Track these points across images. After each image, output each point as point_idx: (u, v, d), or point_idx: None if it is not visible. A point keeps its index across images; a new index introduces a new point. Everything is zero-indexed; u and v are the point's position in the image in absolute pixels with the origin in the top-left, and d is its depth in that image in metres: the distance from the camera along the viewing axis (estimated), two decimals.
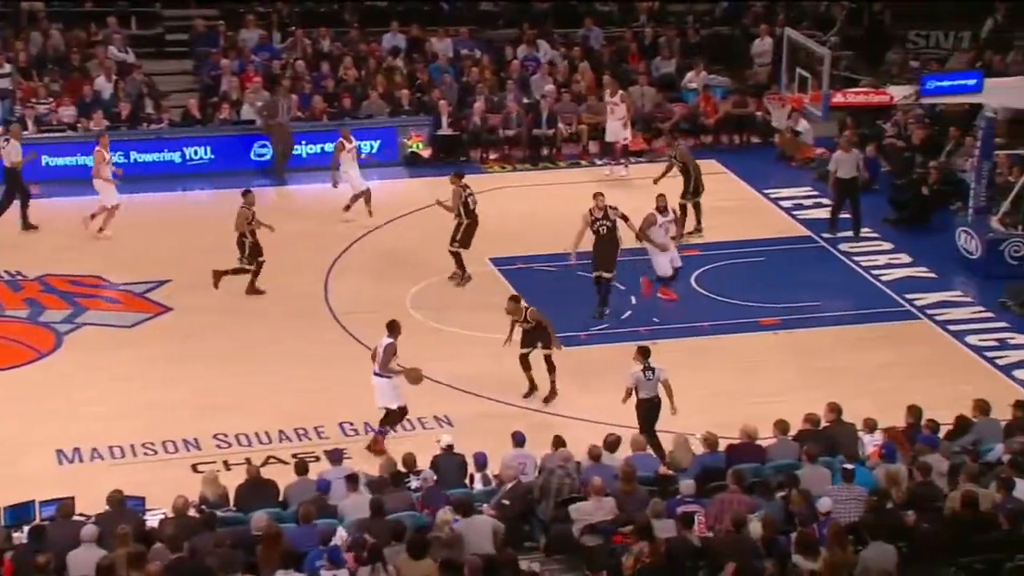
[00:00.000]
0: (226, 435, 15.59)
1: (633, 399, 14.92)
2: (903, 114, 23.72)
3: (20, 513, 12.50)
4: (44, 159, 22.54)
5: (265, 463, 14.69)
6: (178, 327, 18.28)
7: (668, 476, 13.40)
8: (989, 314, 18.66)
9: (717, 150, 24.40)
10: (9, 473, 14.57)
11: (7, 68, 23.94)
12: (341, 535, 11.85)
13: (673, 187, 20.49)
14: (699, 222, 20.82)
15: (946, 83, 19.62)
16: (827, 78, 19.29)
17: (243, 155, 23.65)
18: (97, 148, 20.97)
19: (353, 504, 12.45)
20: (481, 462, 13.58)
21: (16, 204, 21.12)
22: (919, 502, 12.26)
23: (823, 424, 14.04)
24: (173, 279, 19.53)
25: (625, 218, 18.19)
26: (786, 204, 22.49)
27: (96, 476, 14.51)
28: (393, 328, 15.37)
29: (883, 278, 19.83)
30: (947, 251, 20.26)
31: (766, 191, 22.97)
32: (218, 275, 18.82)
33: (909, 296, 19.21)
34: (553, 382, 16.22)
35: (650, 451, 14.19)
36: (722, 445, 13.65)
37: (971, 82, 19.35)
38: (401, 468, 13.31)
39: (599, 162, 24.15)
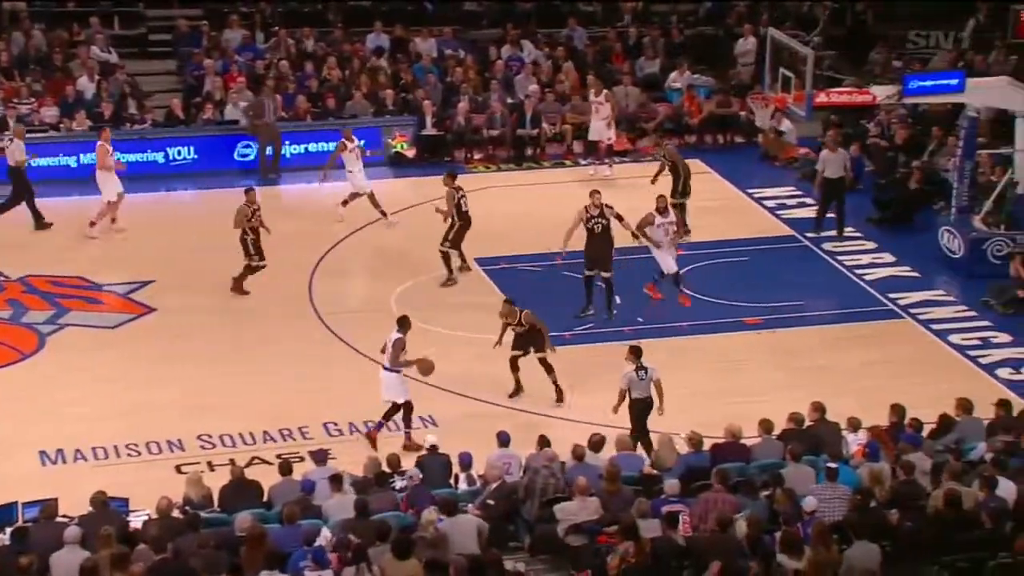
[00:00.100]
0: (210, 436, 15.55)
1: (625, 401, 14.90)
2: (886, 114, 23.79)
3: (3, 515, 12.44)
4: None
5: (249, 464, 14.65)
6: (162, 328, 18.23)
7: (653, 476, 13.42)
8: (972, 313, 18.72)
9: (701, 150, 24.44)
10: None
11: None
12: (325, 535, 11.83)
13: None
14: (684, 223, 20.81)
15: (928, 83, 19.68)
16: (810, 78, 19.36)
17: (226, 155, 23.60)
18: (100, 143, 20.99)
19: (337, 504, 12.44)
20: (466, 462, 13.57)
21: (20, 204, 21.06)
22: (902, 501, 12.29)
23: (807, 423, 14.08)
24: (157, 280, 19.48)
25: (620, 218, 18.20)
26: (770, 204, 22.54)
27: (79, 477, 14.46)
28: (403, 323, 15.42)
29: (866, 277, 19.89)
30: (930, 250, 20.33)
31: (750, 191, 23.01)
32: (237, 283, 18.78)
33: (892, 295, 19.27)
34: (555, 382, 16.21)
35: (640, 451, 14.20)
36: (707, 445, 13.67)
37: (953, 82, 19.41)
38: (385, 468, 13.29)
39: (583, 162, 24.18)
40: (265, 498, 13.01)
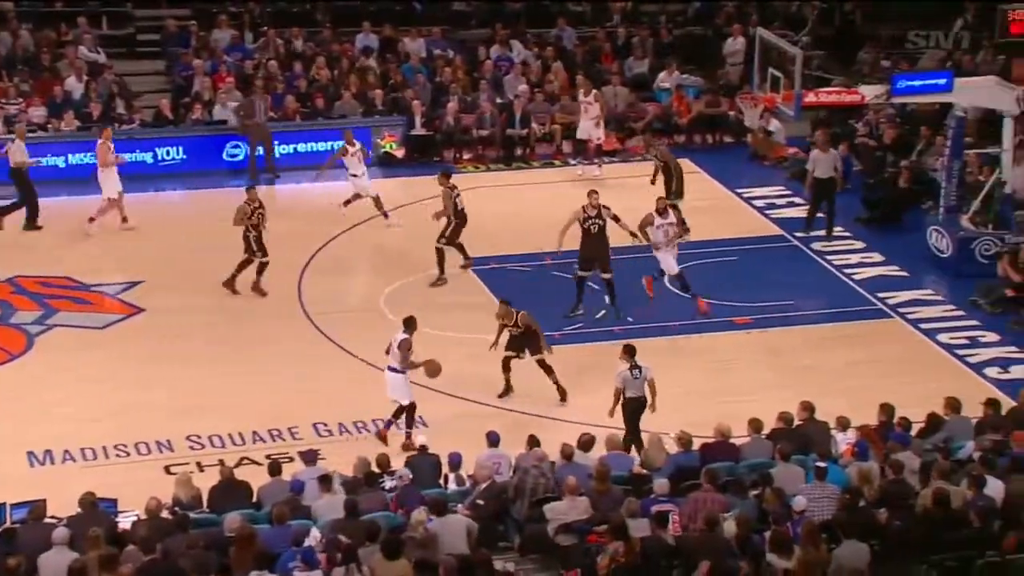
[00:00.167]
0: (199, 436, 15.52)
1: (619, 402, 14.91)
2: (874, 113, 23.83)
3: None
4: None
5: (239, 464, 14.63)
6: (151, 328, 18.20)
7: (642, 475, 13.43)
8: (960, 312, 18.77)
9: (690, 150, 24.45)
10: None
11: None
12: (315, 536, 11.82)
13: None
14: (683, 222, 20.80)
15: (917, 83, 19.69)
16: (799, 78, 19.36)
17: (215, 155, 23.57)
18: (101, 140, 21.01)
19: (327, 505, 12.43)
20: (455, 462, 13.58)
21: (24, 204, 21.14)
22: (891, 500, 12.32)
23: (796, 422, 14.10)
24: (146, 280, 19.45)
25: (617, 219, 18.21)
26: (759, 203, 22.57)
27: (68, 478, 14.43)
28: (410, 324, 15.43)
29: (855, 277, 19.92)
30: (918, 250, 20.37)
31: (739, 190, 23.04)
32: (256, 287, 18.77)
33: (881, 295, 19.31)
34: (556, 383, 16.20)
35: (633, 451, 14.21)
36: (696, 444, 13.68)
37: (941, 81, 19.44)
38: (375, 468, 13.28)
39: (572, 162, 24.19)
40: (254, 499, 12.99)
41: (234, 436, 15.57)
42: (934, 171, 21.63)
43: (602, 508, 12.34)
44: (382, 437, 15.33)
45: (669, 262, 18.25)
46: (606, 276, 18.10)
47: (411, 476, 12.99)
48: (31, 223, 21.13)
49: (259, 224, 18.66)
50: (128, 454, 15.26)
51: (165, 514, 12.38)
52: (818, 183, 20.92)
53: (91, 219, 20.79)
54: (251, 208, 18.68)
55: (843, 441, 13.86)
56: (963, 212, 20.08)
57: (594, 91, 23.71)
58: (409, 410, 15.37)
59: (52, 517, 12.35)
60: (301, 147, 23.85)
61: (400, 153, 23.74)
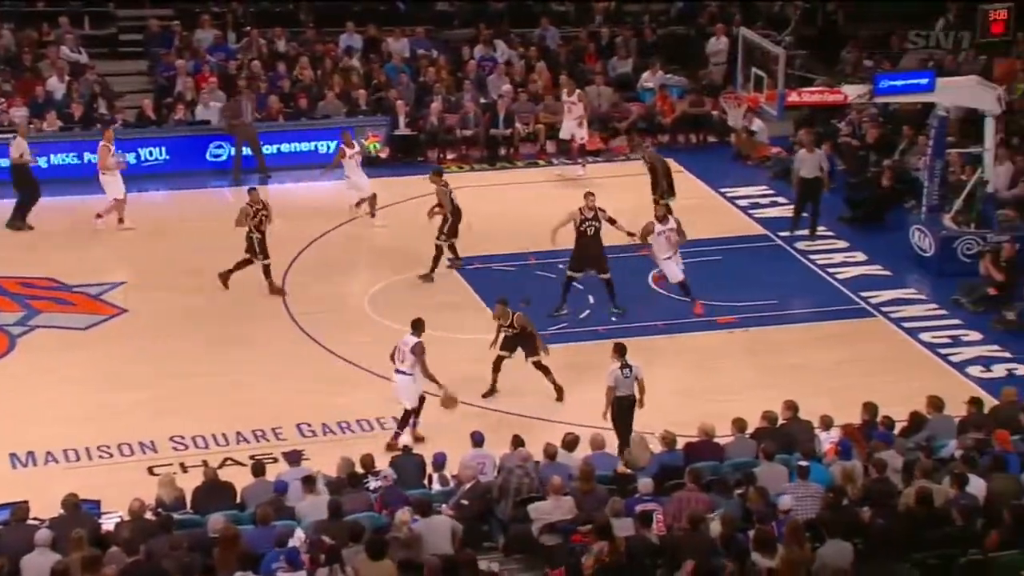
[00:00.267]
0: (182, 437, 15.48)
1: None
2: (857, 113, 23.90)
3: None
4: None
5: (222, 465, 14.61)
6: (133, 329, 18.14)
7: (627, 475, 13.44)
8: (943, 311, 18.82)
9: (674, 149, 24.48)
10: None
11: None
12: (299, 536, 11.80)
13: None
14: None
15: (899, 82, 19.74)
16: (782, 77, 19.38)
17: (198, 156, 23.51)
18: (102, 143, 21.00)
19: (311, 505, 12.41)
20: (440, 462, 13.56)
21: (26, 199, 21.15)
22: (874, 499, 12.35)
23: (780, 422, 14.13)
24: (128, 281, 19.39)
25: (612, 221, 18.21)
26: (742, 203, 22.61)
27: (50, 480, 14.37)
28: (418, 326, 15.36)
29: (838, 276, 19.97)
30: (901, 249, 20.42)
31: (723, 190, 23.08)
32: (273, 288, 18.73)
33: (864, 294, 19.35)
34: (553, 382, 16.20)
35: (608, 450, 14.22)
36: (680, 443, 13.70)
37: (923, 81, 19.50)
38: (359, 469, 13.26)
39: (556, 162, 24.20)
40: (238, 499, 12.96)
41: (217, 437, 15.53)
42: (916, 170, 21.69)
43: (586, 508, 12.35)
44: (416, 438, 15.20)
45: (672, 269, 18.17)
46: (605, 276, 18.09)
47: (395, 476, 12.97)
48: (16, 221, 21.01)
49: (262, 225, 18.60)
50: (111, 455, 15.21)
51: (148, 515, 12.33)
52: (803, 183, 20.97)
53: (98, 215, 20.82)
54: (254, 209, 18.64)
55: (826, 440, 13.89)
56: (945, 211, 20.14)
57: (577, 91, 23.73)
58: (407, 415, 15.32)
59: (35, 519, 12.29)
60: (285, 147, 23.82)
61: (384, 153, 23.66)
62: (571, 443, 13.68)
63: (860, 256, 20.57)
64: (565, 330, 18.00)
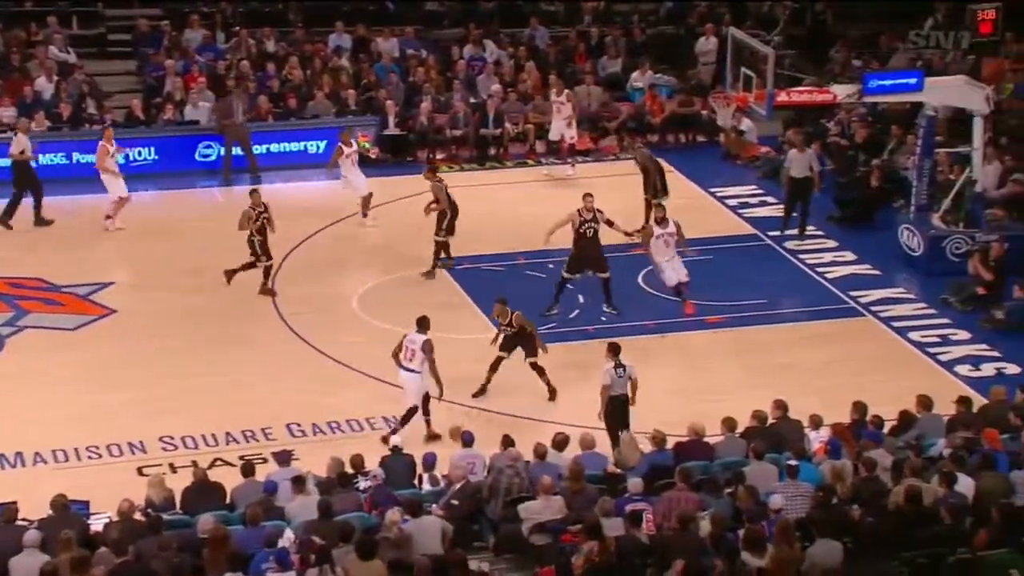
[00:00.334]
0: (172, 437, 15.46)
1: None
2: (846, 113, 23.94)
3: None
4: None
5: (212, 465, 14.58)
6: (122, 329, 18.10)
7: (616, 474, 13.44)
8: (932, 311, 18.86)
9: (663, 149, 24.47)
10: None
11: None
12: (289, 537, 11.78)
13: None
14: (647, 222, 20.81)
15: (888, 82, 19.77)
16: (771, 77, 19.41)
17: (187, 156, 23.47)
18: (101, 143, 20.99)
19: (300, 505, 12.39)
20: (430, 462, 13.56)
21: (29, 195, 21.17)
22: (864, 497, 12.37)
23: (770, 421, 14.14)
24: (117, 281, 19.35)
25: (610, 223, 18.21)
26: (732, 203, 22.64)
27: (39, 480, 14.33)
28: (424, 324, 15.38)
29: (828, 276, 20.00)
30: (890, 248, 20.46)
31: (712, 189, 23.10)
32: (264, 289, 18.70)
33: (853, 293, 19.38)
34: (547, 383, 16.19)
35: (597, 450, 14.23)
36: (670, 443, 13.71)
37: (912, 81, 19.54)
38: (349, 469, 13.25)
39: (545, 161, 24.21)
40: (228, 500, 12.94)
41: (207, 437, 15.51)
42: (905, 170, 21.73)
43: (576, 507, 12.35)
44: (432, 436, 15.20)
45: (668, 274, 18.13)
46: (604, 276, 18.07)
47: (384, 476, 12.97)
48: (6, 217, 21.05)
49: (264, 227, 18.58)
50: (100, 456, 15.18)
51: (138, 516, 12.31)
52: (794, 182, 20.99)
53: (107, 216, 20.85)
54: (256, 212, 18.61)
55: (816, 439, 13.91)
56: (934, 211, 20.19)
57: (566, 91, 23.74)
58: (410, 412, 15.33)
59: (23, 520, 12.26)
60: (274, 147, 23.79)
61: (374, 153, 23.59)
62: (561, 443, 13.68)
63: (849, 255, 20.60)
64: (554, 329, 17.98)
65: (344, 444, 15.00)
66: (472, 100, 24.78)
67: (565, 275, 18.11)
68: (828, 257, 20.58)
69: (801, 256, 20.62)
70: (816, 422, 14.17)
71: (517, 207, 21.97)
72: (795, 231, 21.06)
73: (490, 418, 15.78)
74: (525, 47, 26.37)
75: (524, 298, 18.32)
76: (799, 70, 22.09)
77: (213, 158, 23.51)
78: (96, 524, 12.45)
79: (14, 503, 12.37)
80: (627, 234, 18.46)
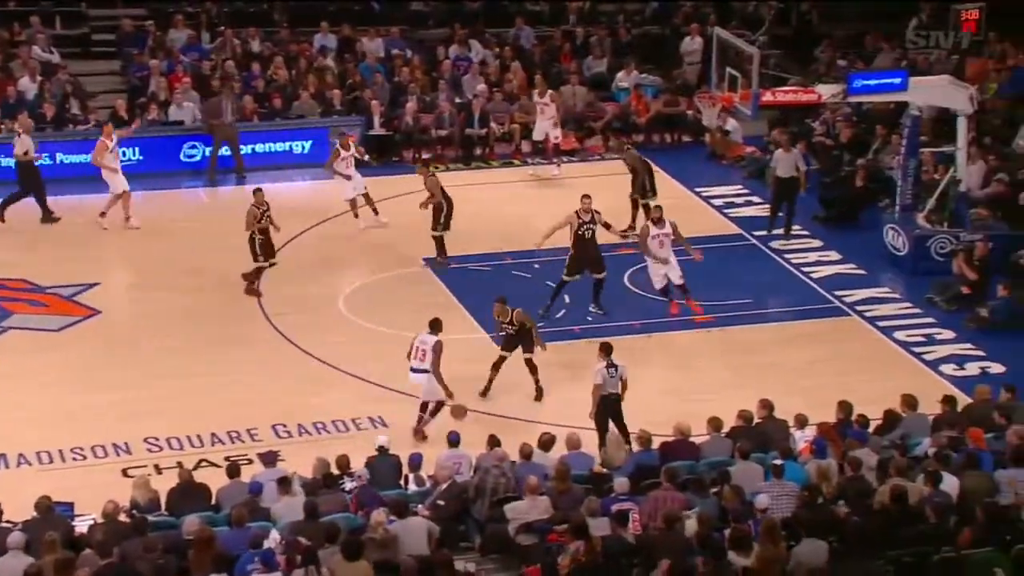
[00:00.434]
0: (157, 439, 15.41)
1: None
2: (831, 112, 23.98)
3: None
4: None
5: (197, 466, 14.55)
6: (107, 330, 18.05)
7: (602, 474, 13.44)
8: (917, 310, 18.90)
9: (648, 149, 24.46)
10: None
11: None
12: (274, 538, 11.76)
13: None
14: (633, 221, 20.83)
15: (872, 82, 19.82)
16: (756, 77, 19.43)
17: (172, 156, 23.40)
18: (101, 139, 20.98)
19: (286, 506, 12.37)
20: (416, 463, 13.55)
21: (31, 196, 21.17)
22: (849, 497, 12.39)
23: (756, 421, 14.16)
24: (102, 282, 19.28)
25: (608, 225, 18.22)
26: (717, 202, 22.66)
27: (23, 482, 14.27)
28: (436, 326, 15.41)
29: (813, 275, 20.03)
30: (875, 248, 20.50)
31: (698, 189, 23.12)
32: (250, 289, 18.64)
33: (839, 293, 19.42)
34: (537, 381, 16.20)
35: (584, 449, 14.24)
36: (656, 443, 13.72)
37: (896, 81, 19.59)
38: (334, 470, 13.23)
39: (531, 161, 24.20)
40: (213, 501, 12.91)
41: (192, 438, 15.47)
42: (890, 170, 21.78)
43: (562, 507, 12.35)
44: (419, 433, 15.20)
45: (658, 274, 18.07)
46: (601, 276, 18.06)
47: (368, 476, 12.96)
48: (46, 215, 21.13)
49: (267, 227, 18.54)
50: (85, 457, 15.12)
51: (122, 517, 12.27)
52: (779, 182, 21.03)
53: (102, 214, 20.82)
54: (260, 211, 18.56)
55: (802, 439, 13.93)
56: (919, 210, 20.24)
57: (550, 92, 23.74)
58: (439, 405, 15.36)
59: (7, 522, 12.21)
60: (259, 147, 23.74)
61: (360, 153, 23.52)
62: (547, 443, 13.68)
63: (834, 255, 20.64)
64: (541, 329, 17.92)
65: (330, 445, 14.98)
66: (458, 100, 24.76)
67: (565, 278, 18.06)
68: (813, 257, 20.61)
69: (786, 256, 20.65)
70: (802, 421, 14.19)
71: (503, 207, 21.96)
72: (780, 231, 21.09)
73: (476, 418, 15.75)
74: (510, 47, 26.36)
75: (511, 298, 18.32)
76: (784, 70, 22.16)
77: (198, 158, 23.45)
78: (81, 526, 12.39)
79: None
80: (623, 235, 18.44)
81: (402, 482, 13.50)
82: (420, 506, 12.62)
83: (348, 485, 12.95)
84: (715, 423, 13.92)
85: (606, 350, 15.00)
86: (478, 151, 24.41)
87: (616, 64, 26.21)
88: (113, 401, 16.12)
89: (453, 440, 13.77)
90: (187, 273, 19.24)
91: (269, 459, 13.49)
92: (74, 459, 15.09)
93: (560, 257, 18.40)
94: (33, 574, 10.81)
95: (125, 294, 18.99)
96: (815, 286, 19.70)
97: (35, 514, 12.12)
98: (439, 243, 19.57)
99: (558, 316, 18.39)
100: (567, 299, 18.55)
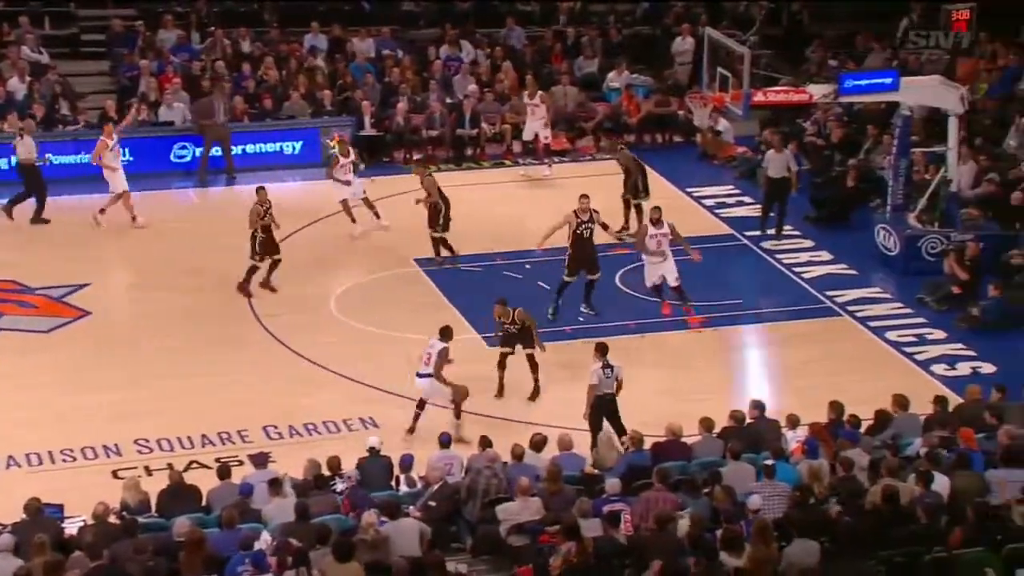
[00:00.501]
0: (147, 440, 15.36)
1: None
2: (822, 112, 24.00)
3: None
4: None
5: (187, 468, 14.50)
6: (97, 331, 17.98)
7: (594, 475, 13.43)
8: (908, 310, 18.91)
9: (640, 149, 24.43)
10: None
11: None
12: (265, 539, 11.72)
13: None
14: (627, 222, 20.81)
15: (863, 82, 19.84)
16: (747, 77, 19.42)
17: (163, 157, 23.34)
18: (101, 138, 20.95)
19: (277, 508, 12.33)
20: (407, 463, 13.52)
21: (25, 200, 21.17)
22: (841, 497, 12.39)
23: (747, 421, 14.15)
24: (92, 283, 19.22)
25: (605, 226, 18.22)
26: (708, 203, 22.66)
27: (13, 484, 14.23)
28: (446, 333, 15.40)
29: (805, 275, 20.02)
30: (866, 248, 20.51)
31: (689, 189, 23.12)
32: (243, 288, 18.62)
33: (830, 293, 19.42)
34: (536, 379, 16.19)
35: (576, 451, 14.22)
36: (648, 443, 13.70)
37: (887, 81, 19.60)
38: (325, 471, 13.20)
39: (522, 162, 24.18)
40: (204, 502, 12.87)
41: (183, 439, 15.42)
42: (881, 170, 21.79)
43: (554, 508, 12.33)
44: (411, 431, 15.21)
45: (654, 274, 18.01)
46: (595, 277, 18.04)
47: (358, 477, 12.93)
48: (37, 216, 21.08)
49: (269, 225, 18.52)
50: (75, 459, 15.07)
51: (112, 519, 12.23)
52: (771, 183, 21.03)
53: (101, 210, 20.78)
54: (264, 209, 18.52)
55: (793, 439, 13.93)
56: (910, 210, 20.25)
57: (540, 93, 23.73)
58: (457, 406, 15.33)
59: None
60: (250, 148, 23.68)
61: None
62: (538, 444, 13.67)
63: (826, 255, 20.64)
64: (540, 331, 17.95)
65: (321, 446, 14.94)
66: (448, 100, 24.73)
67: (566, 278, 18.03)
68: (805, 257, 20.61)
69: (778, 256, 20.65)
70: (793, 422, 14.19)
71: (494, 207, 21.94)
72: (772, 231, 21.09)
73: (467, 419, 15.71)
74: (501, 47, 26.34)
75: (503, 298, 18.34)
76: (775, 70, 22.16)
77: (188, 159, 23.40)
78: (70, 527, 12.36)
79: None
80: (619, 238, 18.40)
81: (393, 483, 13.47)
82: (411, 507, 12.59)
83: (339, 486, 12.92)
84: (706, 423, 13.92)
85: (602, 350, 15.00)
86: (469, 151, 24.37)
87: (607, 64, 26.20)
88: (103, 402, 16.07)
89: (444, 441, 13.76)
90: (179, 274, 19.18)
91: (260, 460, 13.46)
92: (64, 461, 15.04)
93: (551, 258, 18.36)
94: None
95: (116, 295, 18.93)
96: (806, 286, 19.70)
97: (24, 516, 12.08)
98: (443, 244, 19.54)
99: (549, 317, 18.34)
100: (584, 297, 18.48)
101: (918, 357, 17.62)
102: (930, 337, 18.13)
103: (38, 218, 21.16)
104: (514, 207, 21.92)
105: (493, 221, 21.12)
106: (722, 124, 24.41)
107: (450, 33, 26.21)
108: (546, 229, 18.13)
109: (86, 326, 18.17)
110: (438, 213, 19.39)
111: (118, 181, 20.92)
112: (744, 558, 11.23)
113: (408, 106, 24.16)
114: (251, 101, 24.17)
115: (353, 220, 20.78)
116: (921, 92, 20.14)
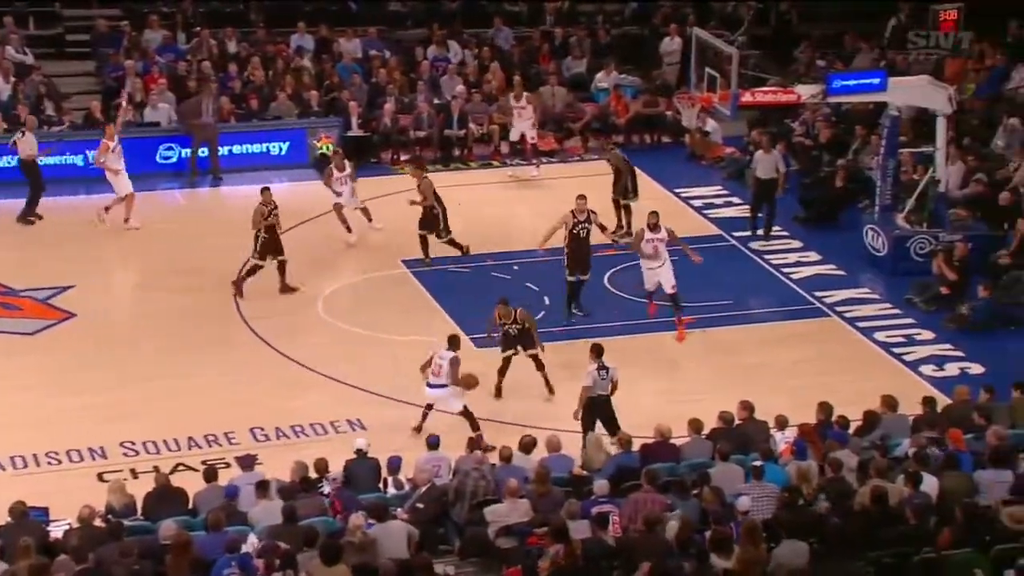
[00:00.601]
0: (133, 443, 15.28)
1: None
2: (810, 113, 24.00)
3: None
4: None
5: (174, 470, 14.43)
6: (82, 333, 17.89)
7: (582, 477, 13.39)
8: (896, 311, 18.91)
9: (628, 150, 24.34)
10: None
11: None
12: (252, 542, 11.66)
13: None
14: (620, 222, 20.77)
15: (851, 82, 19.84)
16: (735, 77, 19.40)
17: (148, 157, 23.22)
18: (103, 139, 20.92)
19: (264, 510, 12.27)
20: (395, 465, 13.47)
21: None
22: (830, 498, 12.37)
23: (736, 422, 14.12)
24: (77, 284, 19.12)
25: (603, 227, 18.20)
26: (697, 203, 22.64)
27: None
28: (454, 342, 15.39)
29: (793, 276, 20.02)
30: (855, 249, 20.51)
31: (677, 190, 23.10)
32: (237, 287, 18.56)
33: (819, 294, 19.41)
34: (545, 378, 16.16)
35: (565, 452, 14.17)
36: (636, 445, 13.66)
37: (875, 81, 19.60)
38: (313, 473, 13.13)
39: (510, 162, 24.14)
40: (190, 505, 12.81)
41: (169, 442, 15.34)
42: (869, 170, 21.80)
43: (542, 510, 12.29)
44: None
45: (651, 280, 17.95)
46: (584, 278, 18.00)
47: (342, 479, 12.87)
48: (24, 215, 21.00)
49: (273, 226, 18.46)
50: (60, 461, 14.98)
51: (98, 522, 12.16)
52: (759, 183, 21.02)
53: (125, 220, 20.76)
54: (268, 209, 18.47)
55: (782, 440, 13.91)
56: (898, 211, 20.26)
57: (526, 94, 23.69)
58: (469, 414, 15.26)
59: None
60: (236, 148, 23.60)
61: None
62: (527, 445, 13.63)
63: (814, 256, 20.63)
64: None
65: (307, 448, 14.89)
66: (436, 101, 24.68)
67: (569, 279, 17.98)
68: (793, 257, 20.60)
69: (766, 256, 20.64)
70: (782, 423, 14.17)
71: (482, 208, 21.90)
72: (761, 231, 21.08)
73: (456, 421, 15.65)
74: (489, 47, 26.29)
75: (490, 299, 18.25)
76: (763, 70, 22.15)
77: (174, 160, 23.31)
78: (56, 531, 12.29)
79: None
80: (613, 240, 18.37)
81: (381, 485, 13.42)
82: (399, 509, 12.55)
83: (326, 488, 12.86)
84: (695, 425, 13.89)
85: (597, 351, 14.97)
86: (457, 152, 24.32)
87: (595, 65, 26.17)
88: (88, 405, 15.98)
89: (432, 443, 13.71)
90: (165, 275, 19.10)
91: (247, 463, 13.41)
92: (49, 463, 14.95)
93: (538, 259, 18.31)
94: None
95: (102, 297, 18.84)
96: (795, 287, 19.69)
97: (9, 519, 12.01)
98: (453, 245, 19.60)
99: (538, 318, 18.28)
100: (547, 300, 18.49)
101: (906, 358, 17.62)
102: (918, 338, 18.14)
103: (26, 216, 21.04)
104: (502, 208, 21.88)
105: (481, 222, 21.07)
106: (710, 124, 24.39)
107: (437, 33, 26.15)
108: (545, 230, 18.09)
109: (71, 328, 18.08)
110: (436, 219, 19.31)
111: (122, 185, 20.81)
112: (733, 559, 11.20)
113: (395, 107, 24.09)
114: (237, 102, 24.08)
115: (349, 229, 20.55)
116: (909, 92, 20.14)
